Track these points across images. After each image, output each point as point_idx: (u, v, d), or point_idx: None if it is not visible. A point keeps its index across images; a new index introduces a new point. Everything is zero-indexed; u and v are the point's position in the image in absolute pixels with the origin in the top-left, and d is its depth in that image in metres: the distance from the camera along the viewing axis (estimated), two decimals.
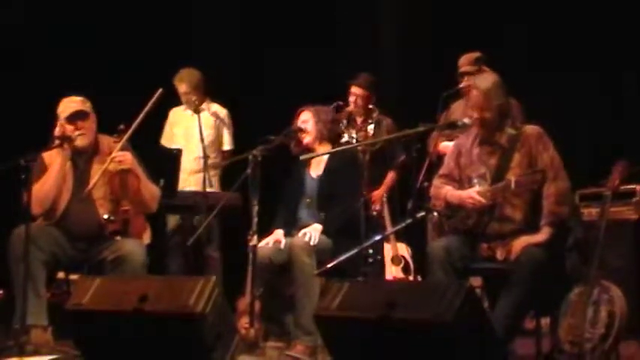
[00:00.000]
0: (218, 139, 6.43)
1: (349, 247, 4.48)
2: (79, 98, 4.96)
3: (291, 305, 4.86)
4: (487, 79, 4.67)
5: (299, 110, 5.34)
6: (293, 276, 4.84)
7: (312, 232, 4.91)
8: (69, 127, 4.88)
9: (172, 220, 6.39)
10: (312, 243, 4.86)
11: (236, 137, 6.48)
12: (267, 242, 5.00)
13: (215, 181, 6.32)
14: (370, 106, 6.18)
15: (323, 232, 4.95)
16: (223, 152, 6.44)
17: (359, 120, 6.21)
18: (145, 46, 6.96)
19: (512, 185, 4.40)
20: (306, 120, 5.28)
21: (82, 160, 4.96)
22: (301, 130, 5.25)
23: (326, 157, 5.21)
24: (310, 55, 6.86)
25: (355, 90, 6.14)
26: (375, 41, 7.04)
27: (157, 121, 6.46)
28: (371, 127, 6.18)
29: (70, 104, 4.92)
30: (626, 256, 5.27)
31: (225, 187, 6.21)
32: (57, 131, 4.92)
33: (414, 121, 4.79)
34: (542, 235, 4.40)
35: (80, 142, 4.90)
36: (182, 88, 6.34)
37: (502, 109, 4.57)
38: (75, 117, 4.89)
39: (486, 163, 4.58)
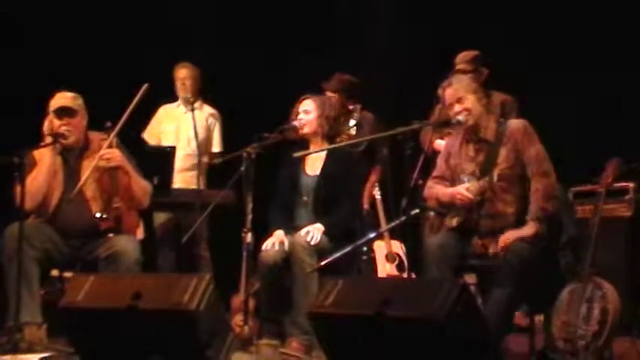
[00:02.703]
0: (208, 140, 6.43)
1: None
2: (70, 94, 4.95)
3: (289, 304, 4.84)
4: (457, 79, 4.78)
5: (303, 97, 5.17)
6: (292, 274, 4.81)
7: (315, 232, 4.85)
8: (56, 122, 4.87)
9: (160, 217, 6.37)
10: (313, 242, 4.81)
11: (234, 137, 6.46)
12: (274, 244, 4.90)
13: (201, 180, 6.32)
14: (350, 107, 6.08)
15: (324, 232, 4.87)
16: (212, 154, 6.42)
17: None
18: (142, 44, 6.95)
19: (495, 178, 4.44)
20: (309, 110, 5.11)
21: (72, 156, 4.96)
22: (298, 116, 5.08)
23: (323, 154, 5.11)
24: (310, 55, 6.84)
25: (329, 94, 5.97)
26: (375, 41, 7.03)
27: (150, 117, 6.46)
28: (353, 128, 6.09)
29: (60, 99, 4.92)
30: (619, 253, 5.29)
31: (218, 185, 6.20)
32: (45, 126, 4.91)
33: (414, 120, 4.79)
34: (528, 229, 4.40)
35: (65, 139, 4.88)
36: (182, 73, 6.37)
37: (481, 101, 4.61)
38: (62, 112, 4.88)
39: (475, 160, 4.61)
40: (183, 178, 6.25)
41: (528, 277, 4.31)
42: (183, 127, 6.31)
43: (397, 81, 6.87)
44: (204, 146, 6.37)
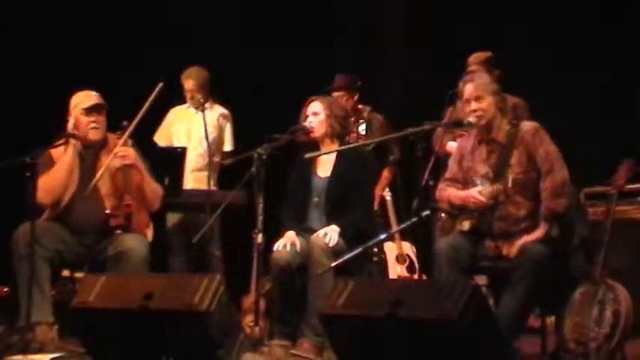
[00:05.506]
0: (220, 139, 6.43)
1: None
2: (94, 92, 5.00)
3: (301, 305, 4.83)
4: (479, 76, 4.77)
5: (310, 99, 5.13)
6: (308, 275, 4.79)
7: (333, 234, 4.83)
8: (84, 119, 4.89)
9: (172, 218, 6.38)
10: (331, 244, 4.78)
11: (236, 137, 6.47)
12: (285, 245, 4.88)
13: (213, 180, 6.31)
14: (359, 106, 6.09)
15: (339, 234, 4.85)
16: (224, 152, 6.42)
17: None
18: (146, 44, 6.96)
19: (510, 183, 4.43)
20: (317, 112, 5.06)
21: (89, 154, 4.99)
22: (307, 119, 5.05)
23: (334, 155, 5.08)
24: (310, 55, 6.84)
25: (336, 94, 5.98)
26: (377, 41, 7.02)
27: (162, 118, 6.47)
28: (362, 128, 6.06)
29: (88, 98, 4.96)
30: (631, 255, 5.26)
31: (229, 185, 6.19)
32: (70, 125, 4.93)
33: (416, 120, 4.79)
34: (538, 232, 4.43)
35: (94, 135, 4.93)
36: (189, 85, 6.35)
37: (498, 104, 4.59)
38: (94, 109, 4.92)
39: (488, 162, 4.60)
40: (196, 178, 6.26)
41: (540, 278, 4.31)
42: (194, 127, 6.31)
43: (399, 80, 6.85)
44: (215, 146, 6.38)
